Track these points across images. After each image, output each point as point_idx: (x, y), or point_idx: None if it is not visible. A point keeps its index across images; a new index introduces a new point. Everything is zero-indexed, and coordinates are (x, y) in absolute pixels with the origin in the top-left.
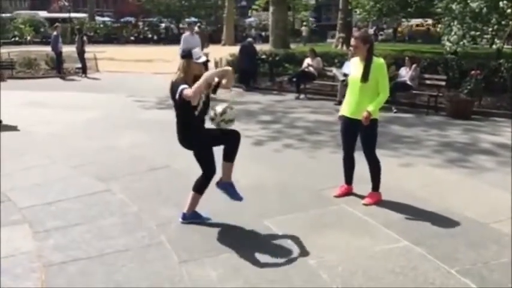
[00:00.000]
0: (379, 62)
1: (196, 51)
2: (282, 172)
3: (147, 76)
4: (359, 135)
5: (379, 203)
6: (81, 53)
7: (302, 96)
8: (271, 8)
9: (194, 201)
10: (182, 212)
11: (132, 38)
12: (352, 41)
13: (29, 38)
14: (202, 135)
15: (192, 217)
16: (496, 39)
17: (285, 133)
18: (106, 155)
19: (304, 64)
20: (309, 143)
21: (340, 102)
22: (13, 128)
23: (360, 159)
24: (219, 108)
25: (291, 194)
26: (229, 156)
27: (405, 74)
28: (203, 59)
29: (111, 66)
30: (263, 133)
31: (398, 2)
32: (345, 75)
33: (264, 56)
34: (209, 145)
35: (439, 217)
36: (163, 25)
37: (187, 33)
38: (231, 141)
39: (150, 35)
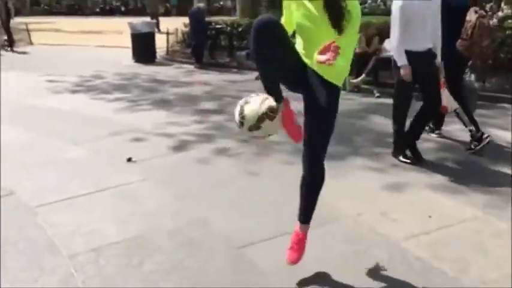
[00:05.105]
0: None
1: None
2: (199, 209)
3: (87, 50)
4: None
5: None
6: (5, 23)
7: None
8: None
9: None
10: None
11: (98, 9)
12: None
13: None
14: None
15: None
16: None
17: (223, 129)
18: None
19: None
20: (253, 145)
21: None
22: None
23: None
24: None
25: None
26: None
27: (391, 48)
28: None
29: (49, 39)
30: (193, 129)
31: None
32: None
33: (220, 26)
34: None
35: None
36: None
37: None
38: None
39: (117, 5)
